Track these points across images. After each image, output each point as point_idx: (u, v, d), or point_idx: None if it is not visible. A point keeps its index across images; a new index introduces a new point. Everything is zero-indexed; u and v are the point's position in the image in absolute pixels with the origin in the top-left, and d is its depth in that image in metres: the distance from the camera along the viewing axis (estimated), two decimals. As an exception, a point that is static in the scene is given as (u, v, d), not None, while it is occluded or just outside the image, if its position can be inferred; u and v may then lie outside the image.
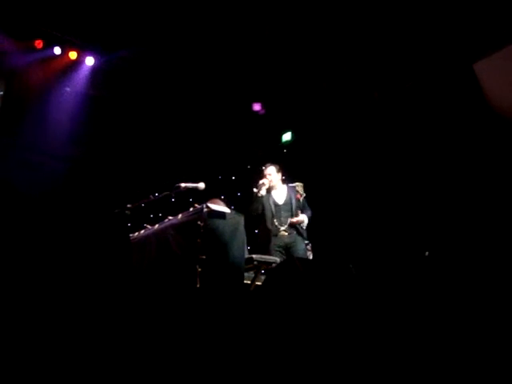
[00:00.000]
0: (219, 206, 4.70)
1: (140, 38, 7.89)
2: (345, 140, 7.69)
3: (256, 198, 5.76)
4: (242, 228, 4.66)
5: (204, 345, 3.39)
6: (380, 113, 7.30)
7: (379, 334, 3.05)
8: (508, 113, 6.02)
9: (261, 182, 5.79)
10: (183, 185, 5.06)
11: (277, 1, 6.89)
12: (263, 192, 5.74)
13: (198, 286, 4.16)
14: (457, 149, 6.31)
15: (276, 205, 5.77)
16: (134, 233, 5.30)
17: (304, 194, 5.82)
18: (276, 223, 5.64)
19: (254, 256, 5.03)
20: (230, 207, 4.79)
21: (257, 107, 8.68)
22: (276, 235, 5.60)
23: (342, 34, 7.20)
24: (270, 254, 5.40)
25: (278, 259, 5.21)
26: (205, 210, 4.48)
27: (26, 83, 8.48)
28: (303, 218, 5.66)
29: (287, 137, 8.69)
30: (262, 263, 5.06)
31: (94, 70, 8.65)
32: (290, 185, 5.94)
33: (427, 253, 5.84)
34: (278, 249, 5.53)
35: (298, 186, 5.88)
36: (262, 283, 4.68)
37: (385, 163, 7.08)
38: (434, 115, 6.56)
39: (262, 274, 5.10)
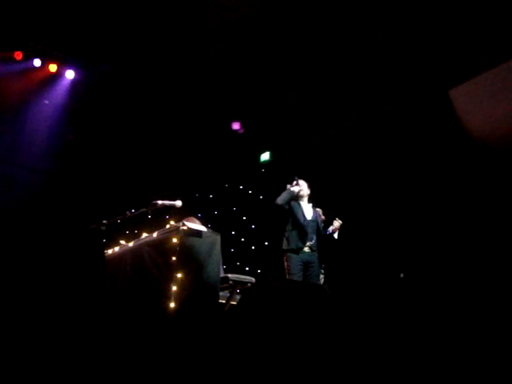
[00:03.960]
0: (196, 225, 4.69)
1: (120, 54, 7.90)
2: (323, 161, 7.75)
3: (288, 190, 5.76)
4: (218, 247, 4.65)
5: (178, 363, 3.36)
6: (357, 135, 7.39)
7: (351, 353, 3.06)
8: (482, 138, 6.15)
9: (295, 183, 5.84)
10: (160, 202, 5.02)
11: (258, 24, 6.97)
12: (295, 189, 5.76)
13: (173, 304, 4.13)
14: (431, 172, 6.42)
15: (305, 218, 5.73)
16: (109, 249, 5.25)
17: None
18: (306, 238, 5.57)
19: (229, 275, 5.03)
20: (206, 226, 4.78)
21: (236, 126, 8.72)
22: (301, 249, 5.52)
23: (321, 55, 7.30)
24: (288, 265, 5.43)
25: (253, 279, 5.21)
26: (181, 228, 4.46)
27: (4, 94, 8.40)
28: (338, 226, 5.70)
29: (265, 156, 8.74)
30: (237, 283, 5.05)
31: (74, 83, 8.62)
32: (314, 207, 5.93)
33: (402, 275, 5.90)
34: (300, 263, 5.46)
35: (320, 210, 5.90)
36: (237, 303, 4.68)
37: (361, 184, 7.16)
38: (410, 140, 6.66)
39: (238, 293, 5.08)
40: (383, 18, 6.48)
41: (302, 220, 5.67)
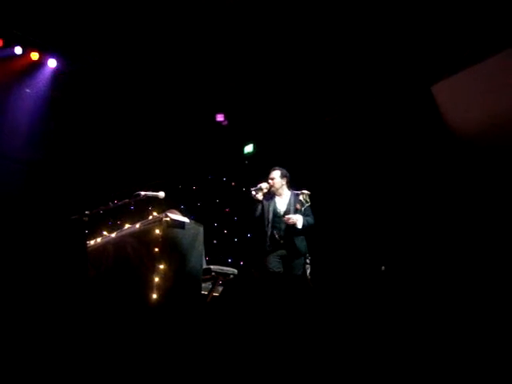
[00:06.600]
0: (178, 216, 4.70)
1: (104, 43, 7.82)
2: (306, 153, 7.78)
3: (254, 200, 5.52)
4: (201, 238, 4.67)
5: (159, 355, 3.37)
6: (340, 129, 7.43)
7: (332, 347, 3.10)
8: (464, 134, 6.21)
9: (260, 185, 5.57)
10: (143, 193, 5.02)
11: (241, 15, 6.95)
12: (259, 196, 5.50)
13: (155, 295, 4.15)
14: (414, 167, 6.48)
15: (276, 214, 5.48)
16: (91, 240, 5.23)
17: (308, 203, 5.45)
18: (275, 234, 5.41)
19: (211, 267, 5.05)
20: (189, 217, 4.79)
21: (220, 118, 8.70)
22: (273, 247, 5.39)
23: (305, 48, 7.31)
24: (266, 262, 5.31)
25: (235, 271, 5.23)
26: (164, 219, 4.47)
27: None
28: (297, 219, 5.33)
29: (249, 148, 8.74)
30: (219, 274, 5.08)
31: (56, 72, 8.50)
32: (295, 192, 5.59)
33: (383, 267, 5.96)
34: (277, 258, 5.35)
35: (304, 194, 5.48)
36: (220, 294, 4.70)
37: (344, 177, 7.20)
38: (393, 135, 6.71)
39: (220, 285, 5.11)
40: (367, 13, 6.50)
41: (269, 217, 5.46)
